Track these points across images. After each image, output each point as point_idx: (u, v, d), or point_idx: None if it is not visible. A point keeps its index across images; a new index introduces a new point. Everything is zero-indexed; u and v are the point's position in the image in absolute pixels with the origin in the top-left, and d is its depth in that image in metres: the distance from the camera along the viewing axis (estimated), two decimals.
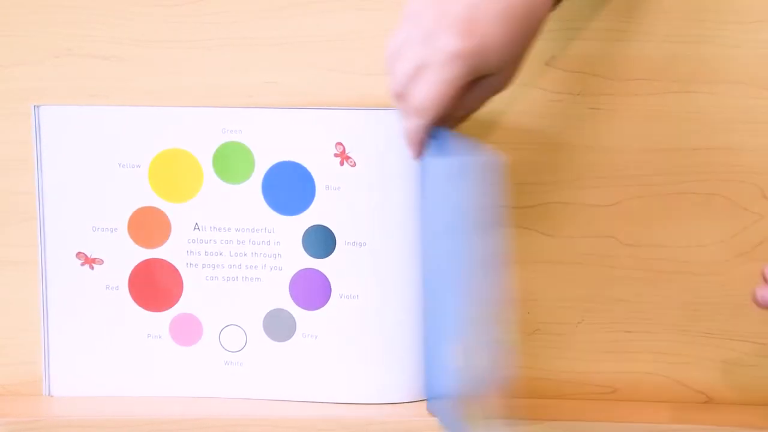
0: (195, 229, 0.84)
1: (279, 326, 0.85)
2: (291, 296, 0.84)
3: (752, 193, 0.83)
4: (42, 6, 0.82)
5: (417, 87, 0.69)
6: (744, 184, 0.83)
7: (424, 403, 0.84)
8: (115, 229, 0.84)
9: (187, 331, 0.85)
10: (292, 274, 0.84)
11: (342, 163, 0.82)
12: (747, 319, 0.84)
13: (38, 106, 0.81)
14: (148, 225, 0.84)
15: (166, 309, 0.85)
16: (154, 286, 0.85)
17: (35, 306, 0.83)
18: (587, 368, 0.86)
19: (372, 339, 0.84)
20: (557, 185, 0.84)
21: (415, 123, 0.71)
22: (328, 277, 0.83)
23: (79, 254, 0.84)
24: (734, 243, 0.84)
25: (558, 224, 0.84)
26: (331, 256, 0.83)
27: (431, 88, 0.69)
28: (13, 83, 0.83)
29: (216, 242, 0.84)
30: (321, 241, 0.83)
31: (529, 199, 0.84)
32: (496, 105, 0.83)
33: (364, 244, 0.83)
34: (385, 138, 0.82)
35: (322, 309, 0.84)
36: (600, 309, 0.85)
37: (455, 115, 0.72)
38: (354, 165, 0.82)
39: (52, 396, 0.85)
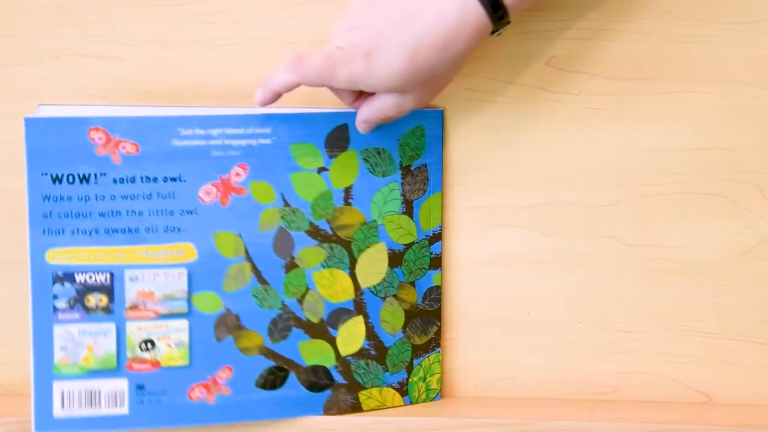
0: None
1: None
2: None
3: (752, 193, 0.83)
4: (42, 6, 0.82)
5: (319, 57, 0.74)
6: (744, 184, 0.83)
7: (425, 405, 0.85)
8: None
9: None
10: None
11: None
12: (747, 319, 0.84)
13: (39, 107, 0.81)
14: None
15: None
16: None
17: None
18: (587, 368, 0.86)
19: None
20: (557, 185, 0.84)
21: (287, 77, 0.75)
22: None
23: None
24: (734, 243, 0.84)
25: (558, 224, 0.84)
26: None
27: (313, 68, 0.74)
28: (13, 83, 0.83)
29: None
30: None
31: (529, 199, 0.84)
32: (497, 104, 0.83)
33: None
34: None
35: None
36: (600, 309, 0.85)
37: (371, 118, 0.77)
38: None
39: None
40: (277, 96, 0.77)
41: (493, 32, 0.74)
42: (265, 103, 0.77)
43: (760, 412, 0.84)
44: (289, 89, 0.76)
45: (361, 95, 0.78)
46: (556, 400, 0.86)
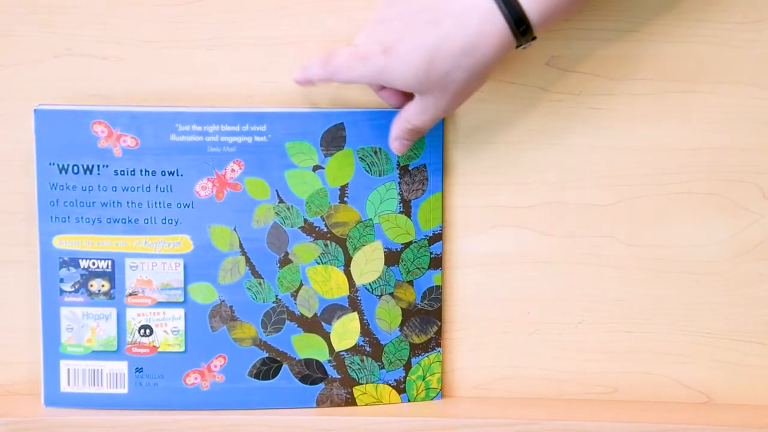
0: None
1: None
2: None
3: (752, 193, 0.83)
4: (42, 6, 0.82)
5: (345, 54, 0.76)
6: (744, 184, 0.83)
7: (425, 405, 0.85)
8: None
9: None
10: None
11: None
12: (747, 319, 0.85)
13: (39, 106, 0.81)
14: None
15: None
16: None
17: (35, 306, 0.83)
18: (587, 368, 0.86)
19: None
20: (557, 185, 0.84)
21: (318, 72, 0.77)
22: None
23: None
24: (734, 243, 0.84)
25: (558, 224, 0.84)
26: None
27: (339, 64, 0.76)
28: (13, 83, 0.82)
29: None
30: None
31: (529, 199, 0.84)
32: (497, 104, 0.83)
33: None
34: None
35: None
36: (600, 309, 0.85)
37: (400, 133, 0.78)
38: None
39: None
40: (310, 83, 0.79)
41: (518, 46, 0.74)
42: (301, 84, 0.79)
43: (760, 412, 0.84)
44: (319, 82, 0.78)
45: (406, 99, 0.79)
46: (556, 400, 0.86)
